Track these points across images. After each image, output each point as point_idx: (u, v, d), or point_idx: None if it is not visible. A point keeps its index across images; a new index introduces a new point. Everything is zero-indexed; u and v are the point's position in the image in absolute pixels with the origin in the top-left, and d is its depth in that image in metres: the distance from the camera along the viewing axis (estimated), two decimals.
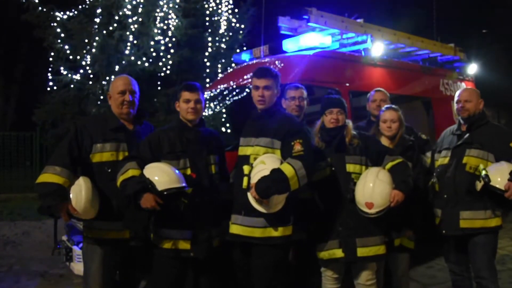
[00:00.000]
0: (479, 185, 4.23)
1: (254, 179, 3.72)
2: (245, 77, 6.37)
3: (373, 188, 3.92)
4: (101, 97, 11.02)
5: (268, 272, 3.91)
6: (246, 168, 3.83)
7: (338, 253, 4.09)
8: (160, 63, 11.25)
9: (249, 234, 3.89)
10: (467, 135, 4.53)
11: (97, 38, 11.04)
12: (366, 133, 4.42)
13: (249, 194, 3.76)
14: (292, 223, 3.94)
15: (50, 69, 11.76)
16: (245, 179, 3.78)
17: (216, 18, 12.72)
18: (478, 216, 4.37)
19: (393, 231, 4.46)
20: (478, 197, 4.33)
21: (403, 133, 4.66)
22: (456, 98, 4.70)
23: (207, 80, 11.77)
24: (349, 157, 4.18)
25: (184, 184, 3.72)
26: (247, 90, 5.91)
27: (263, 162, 3.79)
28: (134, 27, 11.00)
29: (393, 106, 4.72)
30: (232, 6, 13.21)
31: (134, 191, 3.65)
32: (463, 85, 8.64)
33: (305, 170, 3.71)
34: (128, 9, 11.00)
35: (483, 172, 4.18)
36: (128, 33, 10.98)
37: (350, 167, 4.15)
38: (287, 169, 3.68)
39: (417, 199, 4.47)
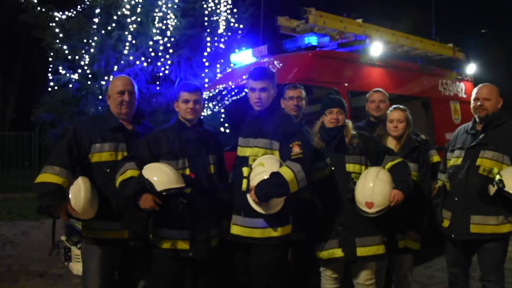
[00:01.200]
0: (492, 189, 4.06)
1: (253, 181, 3.73)
2: (243, 77, 6.37)
3: (373, 187, 3.92)
4: (100, 97, 11.00)
5: (267, 272, 3.90)
6: (245, 170, 3.84)
7: (338, 252, 4.09)
8: (159, 63, 11.25)
9: (248, 234, 3.90)
10: (482, 135, 4.32)
11: (95, 38, 11.02)
12: (365, 133, 4.41)
13: (248, 196, 3.77)
14: (291, 223, 3.96)
15: (49, 69, 11.75)
16: (245, 181, 3.79)
17: (214, 18, 12.69)
18: (489, 221, 4.19)
19: (397, 233, 4.45)
20: (490, 202, 4.14)
21: (410, 133, 4.64)
22: (473, 95, 4.44)
23: (206, 80, 11.76)
24: (349, 156, 4.18)
25: (183, 184, 3.72)
26: (245, 90, 5.91)
27: (261, 164, 3.79)
28: (132, 27, 10.97)
29: (401, 106, 4.68)
30: (231, 6, 13.19)
31: (133, 191, 3.64)
32: (462, 85, 8.66)
33: (304, 172, 3.71)
34: (126, 9, 10.97)
35: (497, 177, 3.99)
36: (126, 33, 10.95)
37: (350, 167, 4.16)
38: (287, 173, 3.68)
39: (422, 200, 4.47)
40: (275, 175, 3.67)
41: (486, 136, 4.31)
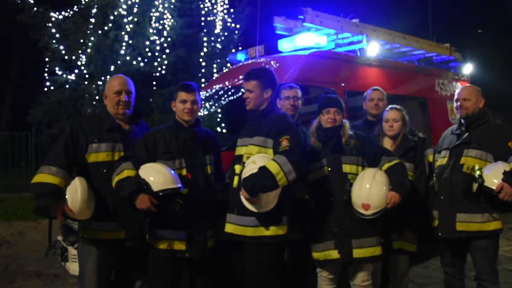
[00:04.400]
0: (474, 186, 4.13)
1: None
2: (240, 77, 6.36)
3: (369, 189, 3.90)
4: (97, 97, 11.01)
5: (260, 272, 3.90)
6: (237, 168, 3.85)
7: (334, 254, 4.07)
8: (156, 63, 11.25)
9: (241, 233, 3.90)
10: (466, 134, 4.43)
11: (92, 38, 11.02)
12: (363, 134, 4.39)
13: (241, 194, 3.77)
14: (285, 223, 3.95)
15: (45, 70, 11.74)
16: (236, 178, 3.80)
17: (211, 18, 12.72)
18: (474, 219, 4.26)
19: (392, 234, 4.46)
20: (475, 199, 4.21)
21: (406, 133, 4.64)
22: (455, 96, 4.61)
23: (203, 80, 11.76)
24: (346, 157, 4.16)
25: (179, 185, 3.71)
26: (242, 90, 5.90)
27: (254, 162, 3.79)
28: (129, 27, 10.98)
29: (397, 106, 4.70)
30: (228, 6, 13.21)
31: (129, 191, 3.64)
32: (459, 85, 8.66)
33: (291, 164, 3.68)
34: (123, 9, 10.98)
35: (477, 173, 4.07)
36: (123, 33, 10.97)
37: (346, 168, 4.14)
38: (272, 166, 3.67)
39: (419, 200, 4.47)
40: (261, 169, 3.67)
41: (469, 135, 4.42)
